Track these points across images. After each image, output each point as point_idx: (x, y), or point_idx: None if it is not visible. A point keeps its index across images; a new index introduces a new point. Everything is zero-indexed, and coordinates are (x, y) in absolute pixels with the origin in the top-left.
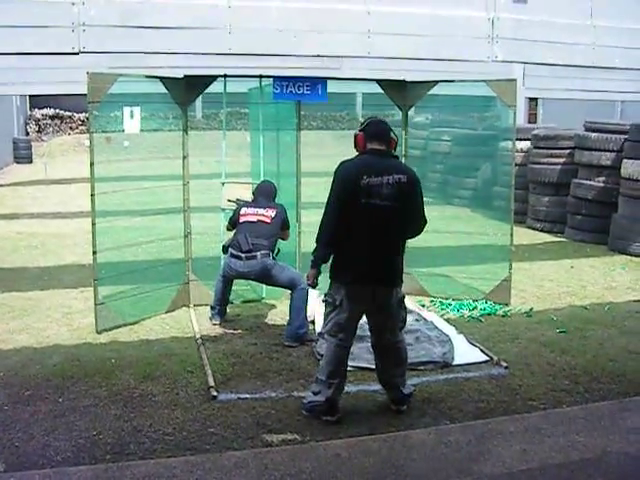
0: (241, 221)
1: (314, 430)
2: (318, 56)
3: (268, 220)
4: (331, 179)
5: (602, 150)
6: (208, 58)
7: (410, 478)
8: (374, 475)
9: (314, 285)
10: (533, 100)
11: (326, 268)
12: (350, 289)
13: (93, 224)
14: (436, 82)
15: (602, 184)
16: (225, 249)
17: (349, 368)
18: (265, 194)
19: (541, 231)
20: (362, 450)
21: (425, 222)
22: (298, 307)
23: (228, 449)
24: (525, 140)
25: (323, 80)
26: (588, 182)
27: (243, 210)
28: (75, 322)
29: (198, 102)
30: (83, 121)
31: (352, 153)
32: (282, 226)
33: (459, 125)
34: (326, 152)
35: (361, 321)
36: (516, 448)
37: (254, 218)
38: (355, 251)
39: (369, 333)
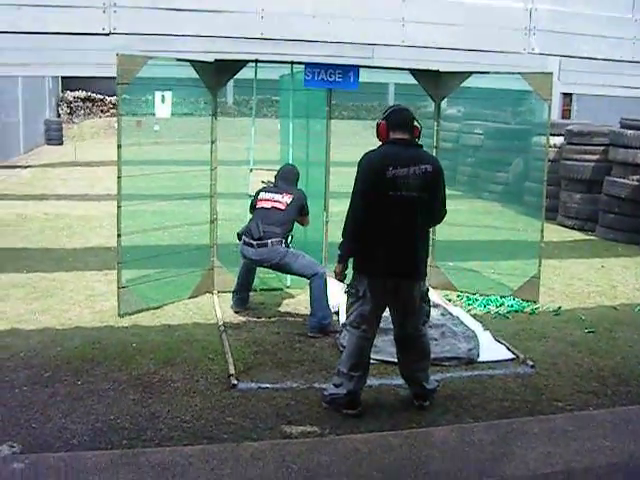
0: (257, 207)
1: (334, 423)
2: (351, 43)
3: (282, 207)
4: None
5: (638, 148)
6: (239, 43)
7: (430, 476)
8: (393, 472)
9: (342, 280)
10: (568, 96)
11: (350, 260)
12: (373, 281)
13: (119, 207)
14: (470, 73)
15: (637, 182)
16: (239, 236)
17: (372, 361)
18: (285, 178)
19: (572, 229)
20: (382, 446)
21: (445, 212)
22: (318, 297)
23: (246, 439)
24: (558, 136)
25: (355, 68)
26: (622, 180)
27: (261, 195)
28: (98, 305)
29: (229, 88)
30: (114, 104)
31: None
32: (300, 212)
33: (492, 118)
34: (356, 141)
35: (385, 314)
36: (540, 450)
37: (268, 204)
38: (379, 243)
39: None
